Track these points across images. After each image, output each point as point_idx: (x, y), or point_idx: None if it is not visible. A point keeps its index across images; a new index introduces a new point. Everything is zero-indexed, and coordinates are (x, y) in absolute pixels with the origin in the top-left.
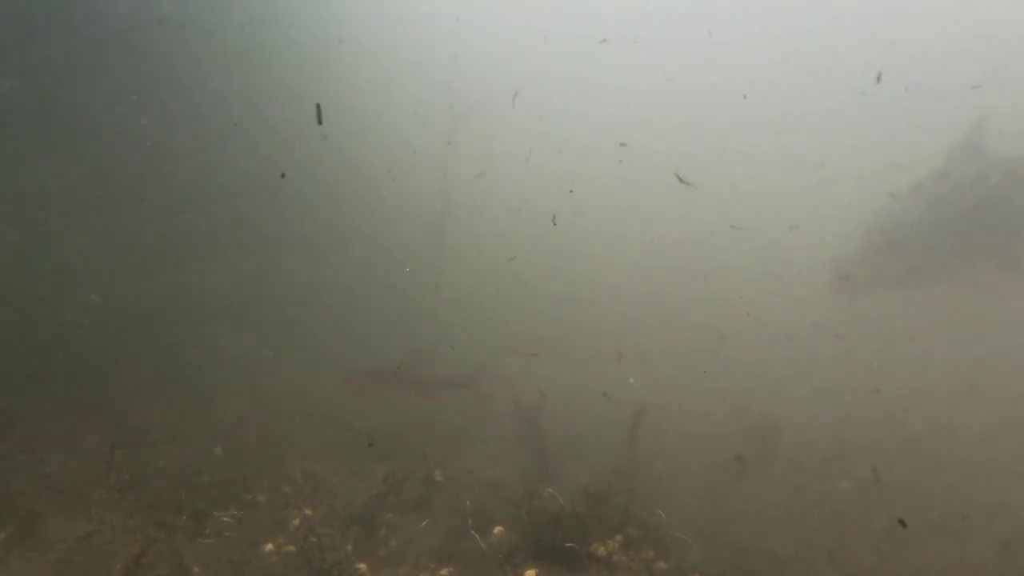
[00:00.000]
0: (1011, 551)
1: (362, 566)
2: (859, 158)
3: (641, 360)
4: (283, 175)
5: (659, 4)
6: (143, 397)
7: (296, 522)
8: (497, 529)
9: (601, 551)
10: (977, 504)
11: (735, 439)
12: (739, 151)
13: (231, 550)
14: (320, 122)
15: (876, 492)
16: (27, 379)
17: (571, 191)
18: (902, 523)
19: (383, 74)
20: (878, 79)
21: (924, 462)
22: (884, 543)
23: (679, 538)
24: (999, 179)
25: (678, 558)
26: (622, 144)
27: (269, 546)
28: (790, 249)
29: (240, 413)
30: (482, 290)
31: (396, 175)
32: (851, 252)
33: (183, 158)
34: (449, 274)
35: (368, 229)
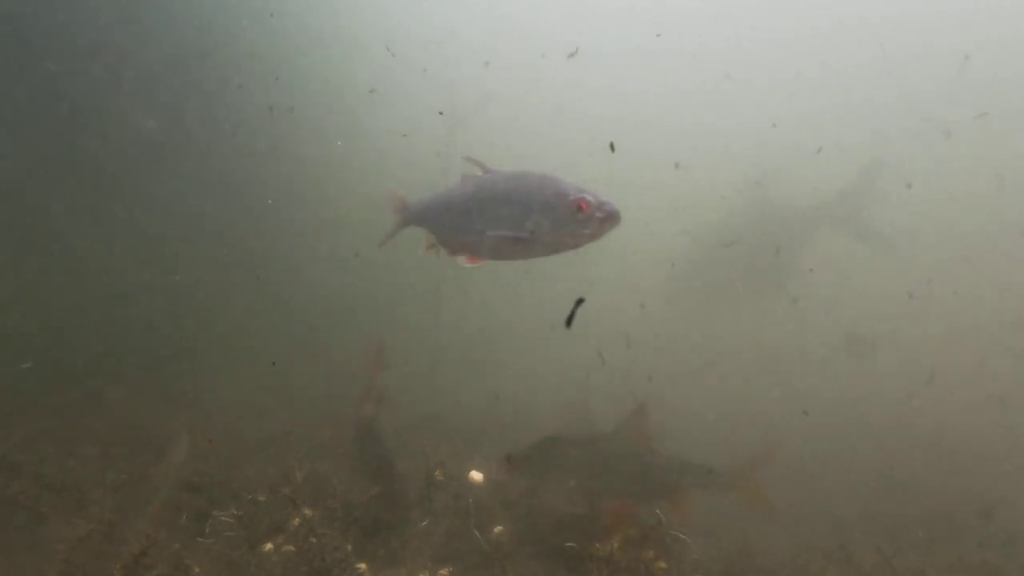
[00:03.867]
0: (1011, 551)
1: (362, 566)
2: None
3: None
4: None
5: None
6: (143, 397)
7: (296, 522)
8: (497, 529)
9: (601, 551)
10: (979, 503)
11: None
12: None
13: (231, 550)
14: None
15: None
16: (27, 379)
17: None
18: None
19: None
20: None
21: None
22: (884, 543)
23: (679, 538)
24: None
25: (678, 558)
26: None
27: (269, 546)
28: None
29: (241, 413)
30: None
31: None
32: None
33: (188, 158)
34: None
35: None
